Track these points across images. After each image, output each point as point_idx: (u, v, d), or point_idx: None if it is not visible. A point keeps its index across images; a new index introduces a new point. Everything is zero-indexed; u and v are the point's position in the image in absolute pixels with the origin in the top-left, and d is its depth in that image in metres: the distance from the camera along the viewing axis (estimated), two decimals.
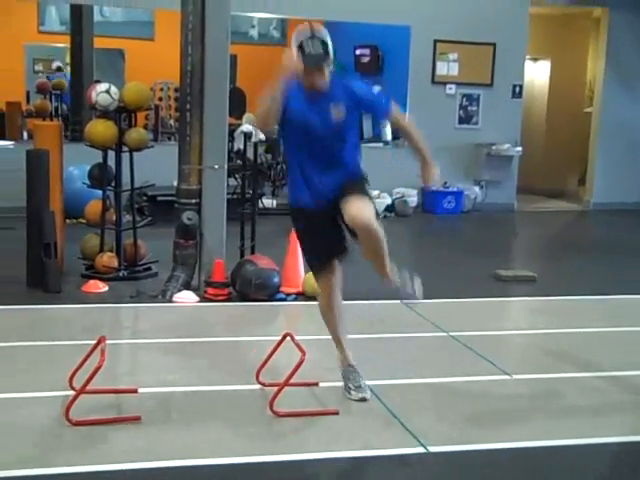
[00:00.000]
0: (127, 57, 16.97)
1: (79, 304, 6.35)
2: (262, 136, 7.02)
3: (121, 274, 7.08)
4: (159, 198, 9.20)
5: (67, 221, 7.90)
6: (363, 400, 4.41)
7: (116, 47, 16.60)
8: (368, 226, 4.05)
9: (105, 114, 6.97)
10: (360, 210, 4.05)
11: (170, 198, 9.02)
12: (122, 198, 7.34)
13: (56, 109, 14.20)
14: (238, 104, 7.29)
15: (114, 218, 7.23)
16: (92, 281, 6.81)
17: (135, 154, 7.13)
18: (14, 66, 16.59)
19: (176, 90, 15.04)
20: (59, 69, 14.73)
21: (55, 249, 6.60)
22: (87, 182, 7.31)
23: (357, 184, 4.25)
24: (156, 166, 8.34)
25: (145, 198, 9.86)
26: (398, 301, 5.29)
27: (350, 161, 4.32)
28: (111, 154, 7.09)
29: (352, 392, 4.46)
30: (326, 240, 4.34)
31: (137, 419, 4.11)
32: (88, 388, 4.07)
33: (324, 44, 4.12)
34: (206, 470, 3.66)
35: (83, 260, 7.24)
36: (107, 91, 6.85)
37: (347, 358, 4.53)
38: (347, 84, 4.32)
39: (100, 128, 6.92)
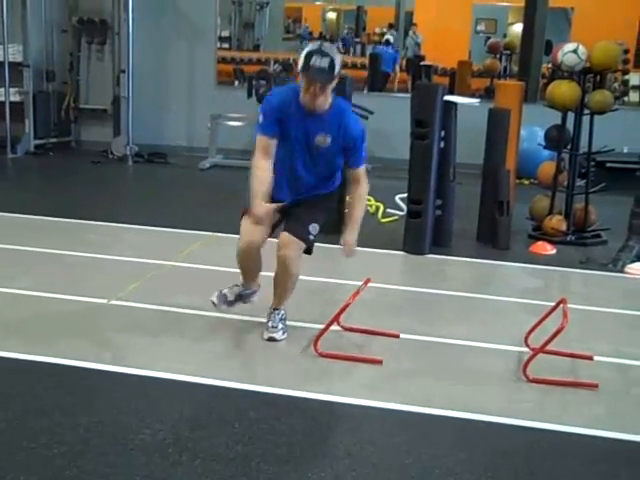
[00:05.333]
0: (574, 16, 16.52)
1: (526, 263, 6.41)
2: None
3: (569, 238, 7.00)
4: (609, 164, 8.88)
5: (516, 181, 7.99)
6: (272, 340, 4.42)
7: (564, 6, 16.21)
8: (286, 260, 4.22)
9: (570, 75, 6.85)
10: (289, 245, 4.20)
11: (620, 165, 8.76)
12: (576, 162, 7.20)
13: (504, 69, 14.39)
14: None
15: (566, 181, 7.13)
16: (540, 242, 6.83)
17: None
18: (463, 27, 17.10)
19: (625, 51, 14.41)
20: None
21: (507, 207, 6.71)
22: (541, 143, 7.30)
23: (313, 207, 4.32)
24: (606, 131, 8.03)
25: (593, 163, 9.59)
26: None
27: (322, 187, 4.35)
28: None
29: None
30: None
31: (594, 386, 4.05)
32: (544, 348, 4.11)
33: (332, 61, 3.94)
34: None
35: (531, 220, 7.29)
36: (574, 51, 6.72)
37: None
38: (344, 118, 4.16)
39: (564, 89, 6.82)
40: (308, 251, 4.37)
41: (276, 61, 11.93)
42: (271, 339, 4.42)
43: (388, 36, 14.83)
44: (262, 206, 4.10)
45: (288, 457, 3.24)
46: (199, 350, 4.27)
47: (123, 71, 10.66)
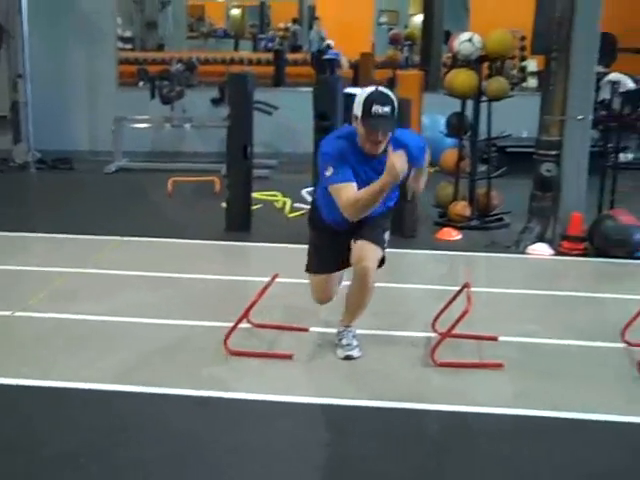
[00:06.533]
0: (472, 5, 16.89)
1: (432, 250, 6.53)
2: (631, 85, 6.64)
3: (473, 223, 7.17)
4: (509, 149, 9.10)
5: None
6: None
7: None
8: (367, 273, 3.97)
9: (467, 63, 7.00)
10: (366, 254, 3.95)
11: (519, 149, 8.98)
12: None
13: (406, 59, 14.62)
14: (607, 51, 6.94)
15: (468, 167, 7.29)
16: (445, 228, 6.97)
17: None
18: (365, 19, 17.29)
19: (522, 38, 14.81)
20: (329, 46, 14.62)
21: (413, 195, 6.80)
22: (443, 131, 7.44)
23: (378, 223, 4.08)
24: (506, 117, 8.22)
25: (494, 148, 9.82)
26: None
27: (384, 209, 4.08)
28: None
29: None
30: (334, 256, 4.17)
31: (500, 366, 4.16)
32: (450, 332, 4.21)
33: (393, 107, 3.77)
34: (573, 423, 3.61)
35: (436, 207, 7.43)
36: (469, 40, 6.87)
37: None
38: (401, 141, 3.86)
39: (462, 77, 6.95)
40: (381, 262, 4.11)
41: (179, 60, 11.82)
42: (348, 357, 4.21)
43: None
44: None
45: (203, 458, 3.24)
46: (109, 358, 4.21)
47: (20, 75, 10.39)
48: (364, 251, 3.96)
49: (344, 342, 4.28)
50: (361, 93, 3.83)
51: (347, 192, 3.82)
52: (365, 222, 4.01)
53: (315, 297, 4.41)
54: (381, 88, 3.86)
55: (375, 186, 3.74)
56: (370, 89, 3.84)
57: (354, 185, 3.83)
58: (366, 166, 3.88)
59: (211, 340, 4.38)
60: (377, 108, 3.72)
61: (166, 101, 10.45)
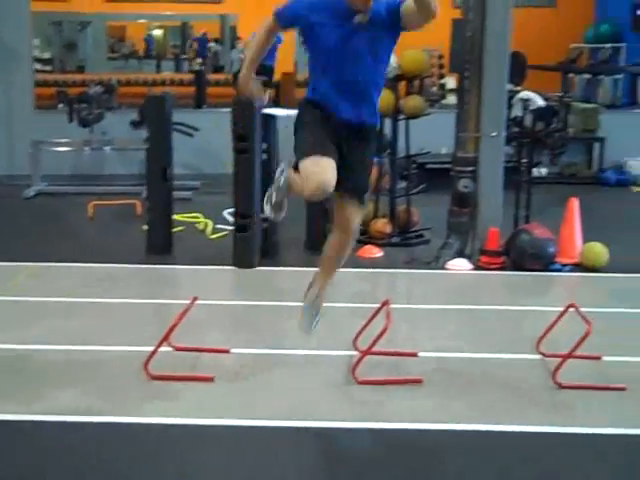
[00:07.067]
0: None
1: (354, 268, 6.52)
2: (541, 103, 6.83)
3: (393, 240, 7.24)
4: (428, 166, 9.23)
5: None
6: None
7: None
8: (356, 230, 4.16)
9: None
10: (354, 218, 4.06)
11: (439, 166, 9.13)
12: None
13: None
14: (517, 69, 7.13)
15: (388, 184, 7.38)
16: (367, 246, 7.02)
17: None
18: (287, 39, 17.32)
19: (440, 57, 15.09)
20: None
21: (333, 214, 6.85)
22: None
23: (368, 153, 4.08)
24: (426, 134, 8.35)
25: (414, 165, 9.94)
26: None
27: (374, 97, 3.95)
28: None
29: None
30: (330, 137, 3.87)
31: (419, 382, 4.22)
32: (371, 350, 4.25)
33: None
34: (492, 435, 3.68)
35: None
36: None
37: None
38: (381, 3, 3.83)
39: None
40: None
41: (98, 82, 11.67)
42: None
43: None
44: (250, 80, 4.12)
45: None
46: (26, 387, 4.12)
47: None
48: (356, 213, 4.05)
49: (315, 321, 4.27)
50: None
51: (267, 22, 4.06)
52: (356, 146, 3.95)
53: (313, 182, 3.68)
54: None
55: (250, 56, 4.19)
56: None
57: (276, 27, 4.05)
58: (349, 20, 3.80)
59: (132, 365, 4.33)
60: None
61: (85, 124, 10.29)
